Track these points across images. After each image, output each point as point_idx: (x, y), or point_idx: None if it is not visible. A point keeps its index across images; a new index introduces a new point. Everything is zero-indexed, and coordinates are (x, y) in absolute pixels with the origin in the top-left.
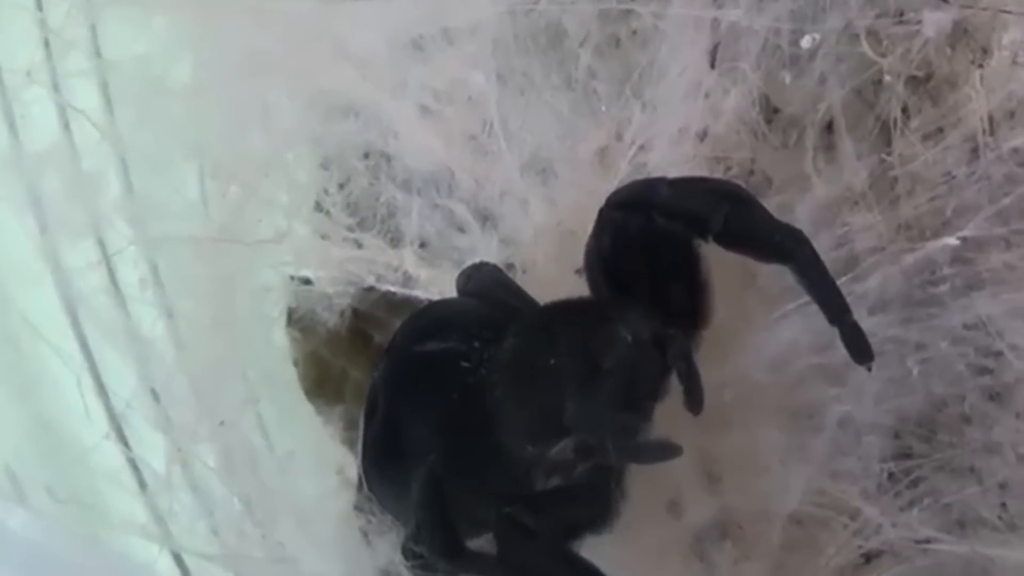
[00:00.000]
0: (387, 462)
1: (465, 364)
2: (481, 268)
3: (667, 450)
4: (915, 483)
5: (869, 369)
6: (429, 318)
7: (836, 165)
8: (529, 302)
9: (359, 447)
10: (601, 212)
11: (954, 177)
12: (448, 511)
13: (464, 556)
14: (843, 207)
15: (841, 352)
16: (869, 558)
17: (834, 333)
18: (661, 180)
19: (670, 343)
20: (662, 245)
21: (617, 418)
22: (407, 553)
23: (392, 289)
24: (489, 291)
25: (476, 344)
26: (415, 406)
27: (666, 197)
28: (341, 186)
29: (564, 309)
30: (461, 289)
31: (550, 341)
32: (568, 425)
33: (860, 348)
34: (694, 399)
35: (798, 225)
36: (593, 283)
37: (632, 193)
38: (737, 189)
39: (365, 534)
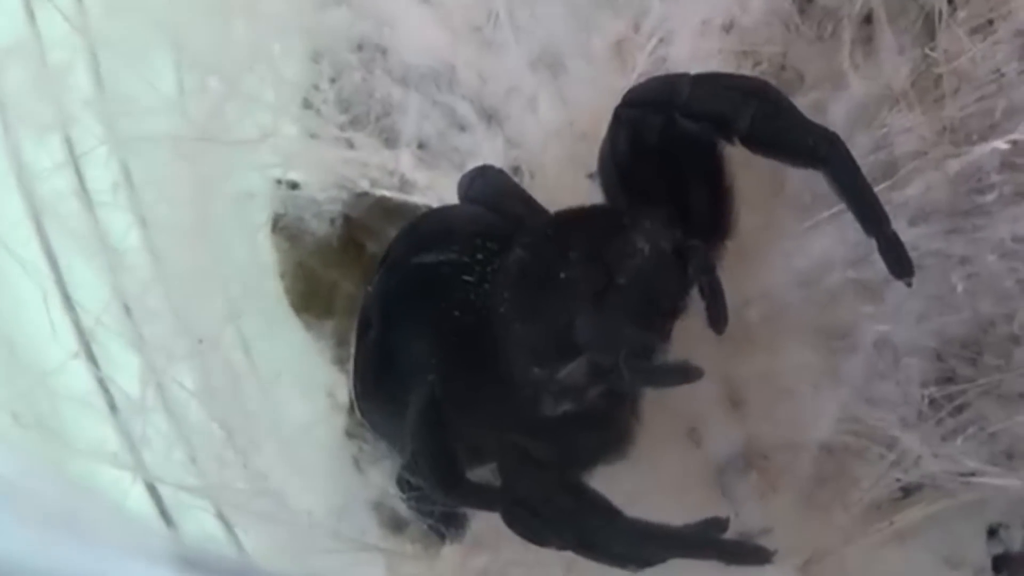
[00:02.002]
0: (381, 384)
1: (467, 277)
2: (485, 172)
3: (687, 372)
4: (959, 410)
5: (909, 285)
6: (428, 227)
7: (875, 61)
8: (537, 209)
9: (351, 367)
10: (617, 111)
11: (1004, 75)
12: (447, 438)
13: (464, 487)
14: (882, 107)
15: (878, 266)
16: (908, 492)
17: (871, 245)
18: (683, 76)
19: (691, 255)
20: (683, 148)
21: (632, 337)
22: (402, 484)
23: (387, 194)
24: (494, 197)
25: (479, 255)
26: (412, 323)
27: (688, 95)
28: (332, 81)
29: (575, 217)
30: (463, 195)
31: (560, 252)
32: (579, 345)
33: (899, 262)
34: (717, 317)
35: (832, 127)
36: (608, 189)
37: (651, 91)
38: (766, 87)
39: (357, 463)
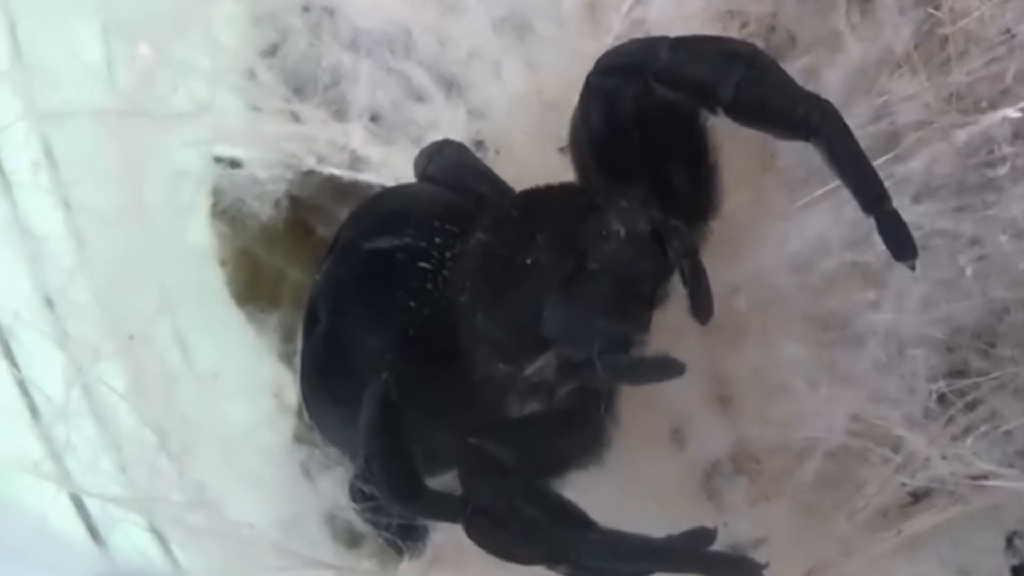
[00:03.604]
0: (331, 383)
1: (425, 264)
2: (445, 147)
3: (668, 367)
4: (970, 407)
5: (913, 268)
6: (382, 208)
7: (873, 21)
8: (502, 188)
9: (298, 364)
10: (589, 79)
11: (1015, 36)
12: (404, 442)
13: (422, 497)
14: (882, 72)
15: (879, 248)
16: (916, 497)
17: (870, 225)
18: (661, 40)
19: (672, 237)
20: (662, 119)
21: (607, 329)
22: (355, 494)
23: (337, 172)
24: (454, 175)
25: (438, 240)
26: (365, 314)
27: (667, 60)
28: (275, 47)
29: (544, 197)
30: (420, 173)
31: (527, 236)
32: (548, 338)
33: (902, 243)
34: (701, 305)
35: (827, 94)
36: (580, 165)
37: (627, 55)
38: (753, 51)
39: (306, 470)
